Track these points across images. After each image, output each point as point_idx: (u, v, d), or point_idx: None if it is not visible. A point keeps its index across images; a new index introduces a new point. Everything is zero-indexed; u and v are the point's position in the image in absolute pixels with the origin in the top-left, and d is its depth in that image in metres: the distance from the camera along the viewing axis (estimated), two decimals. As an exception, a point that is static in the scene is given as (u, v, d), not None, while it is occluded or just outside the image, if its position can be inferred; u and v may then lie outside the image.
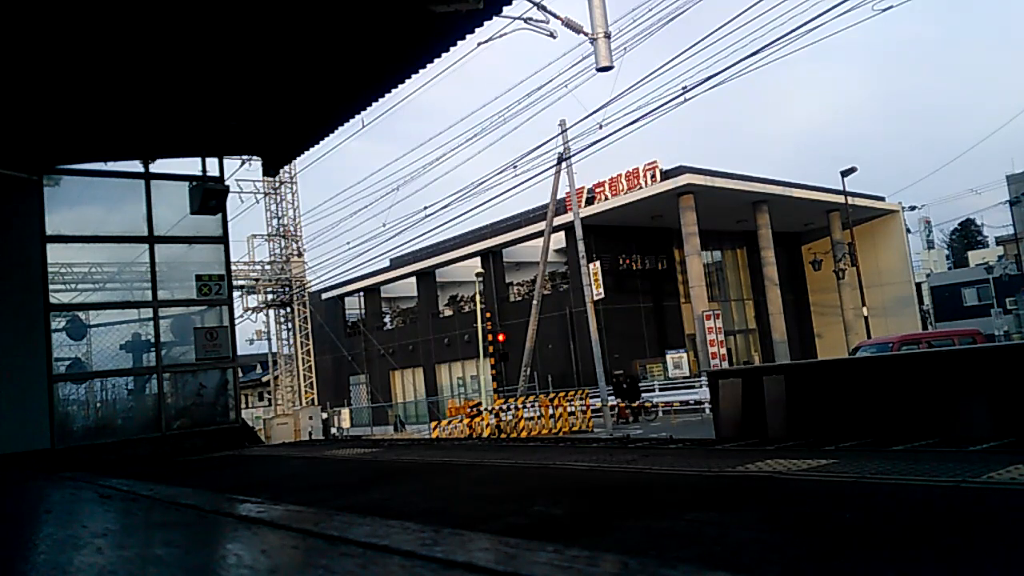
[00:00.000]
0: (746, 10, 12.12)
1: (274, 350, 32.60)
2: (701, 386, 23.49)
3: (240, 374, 13.97)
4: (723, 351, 28.91)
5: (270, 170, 16.32)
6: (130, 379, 11.79)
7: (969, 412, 7.19)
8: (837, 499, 4.41)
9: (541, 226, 26.54)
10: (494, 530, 3.58)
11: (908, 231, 40.17)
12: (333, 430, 30.79)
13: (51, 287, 11.05)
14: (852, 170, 28.83)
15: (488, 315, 31.91)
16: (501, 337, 30.52)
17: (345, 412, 35.59)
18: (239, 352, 13.08)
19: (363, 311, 44.17)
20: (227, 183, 12.87)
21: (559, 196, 24.67)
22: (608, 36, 11.61)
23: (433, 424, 23.19)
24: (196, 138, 11.69)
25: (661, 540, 3.53)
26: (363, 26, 8.07)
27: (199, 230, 12.31)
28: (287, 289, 31.02)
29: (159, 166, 11.99)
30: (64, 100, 9.19)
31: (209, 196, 11.83)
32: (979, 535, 3.35)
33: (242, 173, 29.82)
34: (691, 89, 13.30)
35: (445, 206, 31.29)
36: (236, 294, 21.46)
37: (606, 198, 30.29)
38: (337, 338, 39.47)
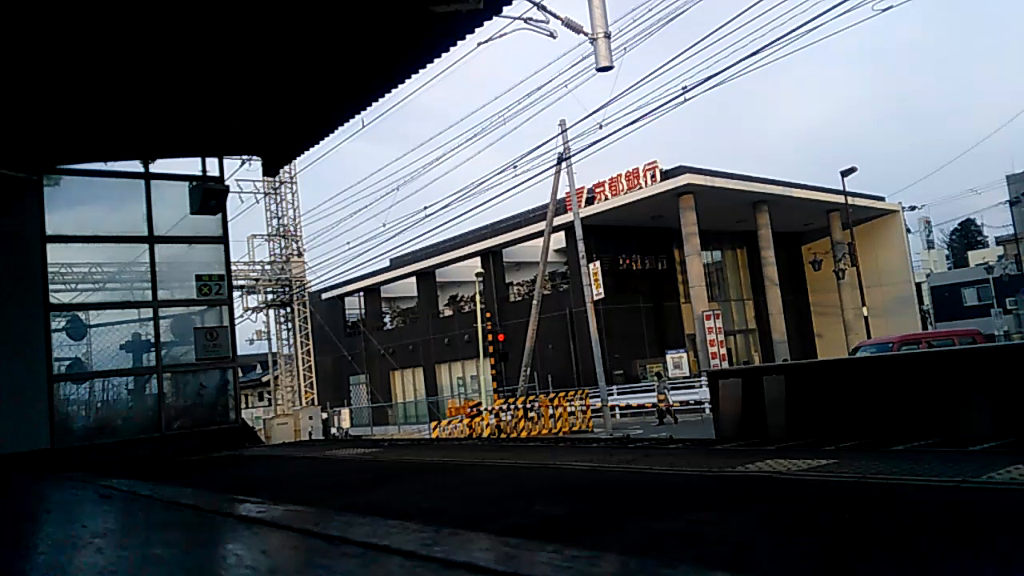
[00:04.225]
0: (746, 10, 12.12)
1: (274, 350, 32.55)
2: (701, 386, 23.48)
3: (240, 374, 13.96)
4: (723, 351, 28.90)
5: (270, 170, 16.31)
6: (130, 379, 11.78)
7: (969, 412, 7.19)
8: (837, 499, 4.41)
9: (541, 226, 26.53)
10: (494, 530, 3.58)
11: (908, 231, 40.18)
12: (333, 430, 30.77)
13: (51, 287, 11.04)
14: (852, 170, 28.82)
15: (488, 315, 31.89)
16: (500, 336, 30.49)
17: (345, 412, 35.56)
18: (239, 352, 13.07)
19: (363, 311, 44.16)
20: (227, 183, 12.87)
21: (559, 196, 24.65)
22: (608, 36, 11.61)
23: (433, 424, 23.20)
24: (196, 138, 11.69)
25: (661, 540, 3.53)
26: (363, 26, 8.07)
27: (199, 230, 12.30)
28: (287, 289, 30.98)
29: (159, 166, 11.99)
30: (64, 100, 9.18)
31: (209, 196, 11.83)
32: (979, 535, 3.35)
33: (242, 173, 29.73)
34: (691, 89, 13.29)
35: (445, 206, 31.31)
36: (236, 294, 21.44)
37: (606, 198, 30.28)
38: (337, 338, 39.44)
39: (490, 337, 30.60)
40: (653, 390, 24.80)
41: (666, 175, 28.79)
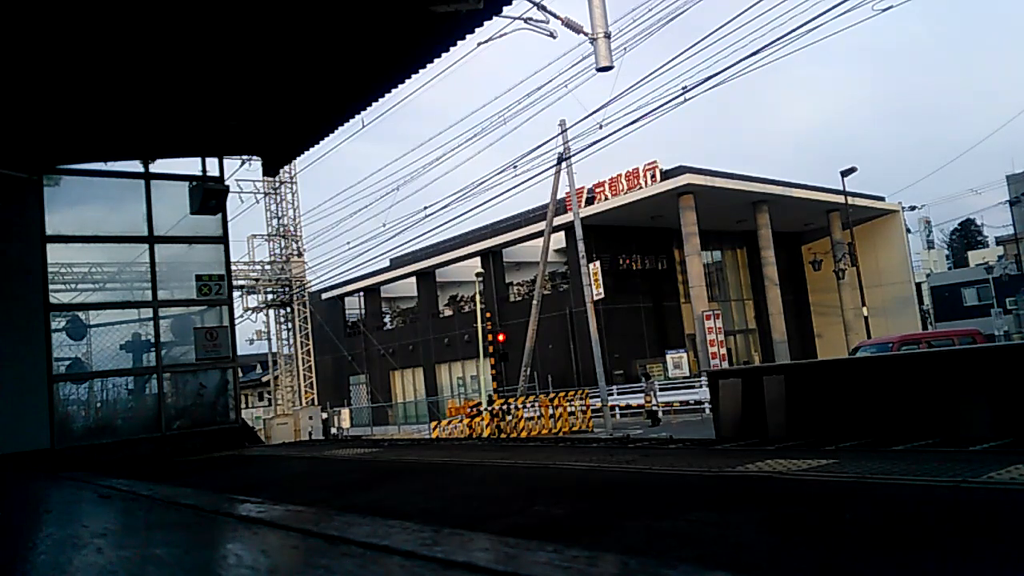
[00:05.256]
0: (746, 10, 12.12)
1: (274, 350, 32.56)
2: (701, 386, 23.48)
3: (240, 374, 13.96)
4: (723, 351, 28.90)
5: (270, 170, 16.31)
6: (130, 379, 11.78)
7: (969, 412, 7.19)
8: (837, 499, 4.41)
9: (541, 226, 26.53)
10: (494, 530, 3.58)
11: (908, 231, 40.16)
12: (333, 430, 30.79)
13: (51, 287, 11.04)
14: (852, 170, 28.82)
15: (488, 315, 31.88)
16: (501, 337, 30.45)
17: (345, 412, 35.57)
18: (239, 352, 13.08)
19: (363, 311, 44.15)
20: (227, 183, 12.87)
21: (559, 196, 24.66)
22: (608, 36, 11.61)
23: (433, 424, 23.19)
24: (196, 138, 11.69)
25: (661, 540, 3.53)
26: (363, 26, 8.07)
27: (199, 230, 12.31)
28: (287, 289, 30.99)
29: (159, 166, 12.00)
30: (64, 100, 9.19)
31: (209, 196, 11.83)
32: (979, 535, 3.35)
33: (242, 173, 29.85)
34: (691, 89, 13.30)
35: (445, 206, 31.40)
36: (236, 294, 21.44)
37: (606, 198, 30.28)
38: (337, 338, 39.44)
39: (490, 337, 30.59)
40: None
41: (666, 175, 28.79)
